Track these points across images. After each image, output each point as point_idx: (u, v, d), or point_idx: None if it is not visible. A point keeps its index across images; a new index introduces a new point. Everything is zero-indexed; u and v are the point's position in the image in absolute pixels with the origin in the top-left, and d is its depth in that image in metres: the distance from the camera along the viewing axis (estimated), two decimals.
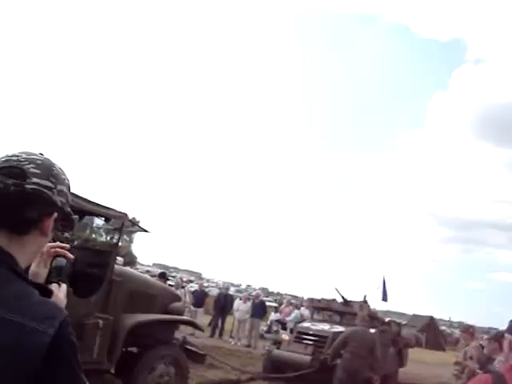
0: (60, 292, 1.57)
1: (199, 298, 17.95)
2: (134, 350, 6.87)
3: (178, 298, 7.96)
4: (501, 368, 3.07)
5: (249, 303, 17.95)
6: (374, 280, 14.19)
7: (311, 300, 14.96)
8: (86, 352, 5.77)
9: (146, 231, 8.26)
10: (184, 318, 8.00)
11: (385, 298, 14.64)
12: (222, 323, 18.23)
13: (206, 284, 25.31)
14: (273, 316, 21.53)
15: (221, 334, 17.96)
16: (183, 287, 18.04)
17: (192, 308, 17.10)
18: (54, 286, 1.57)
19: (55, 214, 1.44)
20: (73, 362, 1.29)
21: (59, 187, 1.44)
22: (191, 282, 34.98)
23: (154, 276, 14.85)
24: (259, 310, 17.80)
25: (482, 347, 8.96)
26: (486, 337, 16.06)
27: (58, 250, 1.60)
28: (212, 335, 17.57)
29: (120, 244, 7.90)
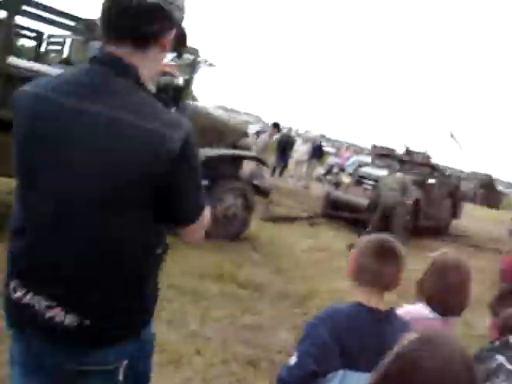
0: None
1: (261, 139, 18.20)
2: (206, 182, 7.27)
3: (246, 135, 8.18)
4: None
5: (308, 144, 18.20)
6: (439, 135, 14.01)
7: (374, 146, 15.03)
8: None
9: (212, 65, 8.25)
10: (251, 153, 8.22)
11: (461, 148, 14.69)
12: (284, 164, 18.71)
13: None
14: (332, 160, 21.82)
15: (281, 174, 18.54)
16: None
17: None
18: None
19: (174, 30, 1.48)
20: (195, 166, 1.46)
21: (179, 1, 1.45)
22: (250, 123, 35.28)
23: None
24: (317, 152, 18.21)
25: None
26: None
27: (165, 67, 1.66)
28: (272, 175, 18.17)
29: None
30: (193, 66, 6.88)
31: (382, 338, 1.79)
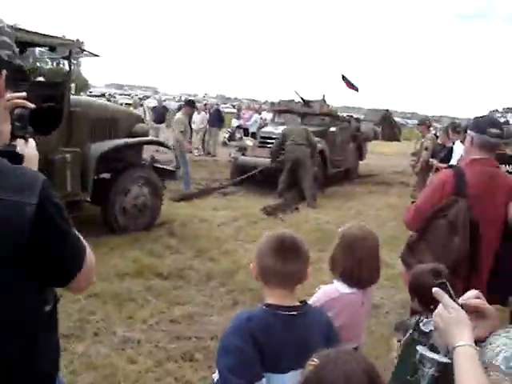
0: (28, 148, 1.54)
1: (159, 113, 17.75)
2: (107, 176, 7.01)
3: (140, 120, 7.92)
4: (461, 163, 3.28)
5: (202, 113, 17.95)
6: (332, 78, 14.20)
7: (271, 104, 15.09)
8: (60, 187, 5.85)
9: (95, 55, 7.83)
10: (150, 138, 8.02)
11: (356, 89, 14.88)
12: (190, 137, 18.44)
13: (163, 98, 24.81)
14: (234, 122, 21.78)
15: (211, 147, 18.29)
16: (141, 105, 17.82)
17: (154, 125, 17.08)
18: (20, 143, 1.53)
19: (4, 71, 1.35)
20: (60, 223, 1.33)
21: (2, 40, 1.33)
22: (148, 97, 34.47)
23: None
24: (216, 118, 17.98)
25: (437, 137, 9.47)
26: (438, 125, 16.72)
27: (15, 101, 1.52)
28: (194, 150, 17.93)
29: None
30: (68, 59, 6.49)
31: (300, 334, 1.80)
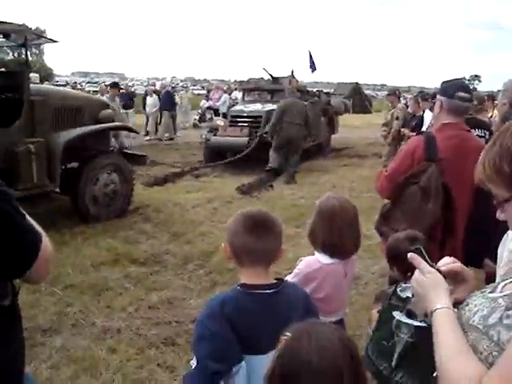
0: None
1: (127, 99, 17.45)
2: (75, 165, 6.86)
3: (105, 106, 7.68)
4: (431, 129, 3.27)
5: (154, 96, 17.61)
6: (300, 54, 14.06)
7: (240, 82, 14.97)
8: (26, 179, 5.73)
9: (53, 41, 7.60)
10: (116, 123, 7.81)
11: (313, 68, 14.73)
12: (155, 120, 18.20)
13: (130, 83, 24.49)
14: (203, 104, 21.62)
15: (156, 131, 18.09)
16: (108, 92, 17.50)
17: (122, 111, 16.84)
18: None
19: None
20: (10, 212, 1.28)
21: None
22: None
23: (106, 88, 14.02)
24: (167, 101, 17.43)
25: (407, 107, 9.50)
26: (408, 96, 16.80)
27: None
28: (147, 134, 17.71)
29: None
30: (24, 46, 6.26)
31: (278, 312, 1.75)
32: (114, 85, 13.80)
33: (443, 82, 3.10)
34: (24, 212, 1.34)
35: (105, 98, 15.71)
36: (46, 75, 34.21)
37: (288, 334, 1.16)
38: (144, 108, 18.20)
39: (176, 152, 13.78)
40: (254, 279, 1.78)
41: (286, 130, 10.07)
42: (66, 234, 6.11)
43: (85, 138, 6.72)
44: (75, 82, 39.07)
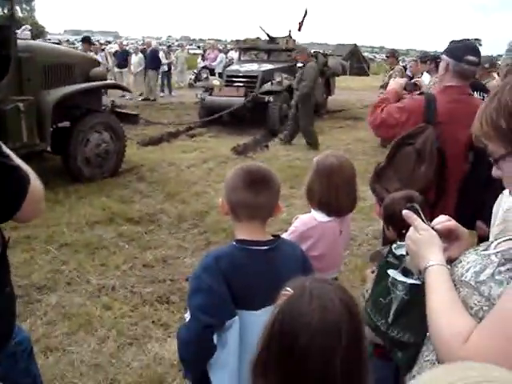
0: None
1: (121, 58, 17.03)
2: (67, 124, 6.74)
3: (97, 63, 7.52)
4: (434, 90, 3.18)
5: (140, 55, 17.14)
6: (299, 15, 13.64)
7: (236, 41, 14.64)
8: (15, 138, 5.62)
9: None
10: (108, 82, 7.69)
11: (299, 29, 14.27)
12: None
13: (125, 42, 24.03)
14: (199, 63, 21.30)
15: (150, 91, 17.85)
16: (103, 50, 17.20)
17: (116, 70, 16.59)
18: None
19: None
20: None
21: None
22: (109, 43, 33.28)
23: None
24: (153, 61, 16.71)
25: (405, 69, 9.38)
26: (407, 58, 16.58)
27: None
28: (141, 93, 17.50)
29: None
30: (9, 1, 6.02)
31: (273, 269, 1.75)
32: (85, 39, 13.28)
33: (451, 42, 2.94)
34: (9, 152, 1.32)
35: (99, 57, 15.53)
36: (38, 33, 33.56)
37: (289, 289, 1.14)
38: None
39: (171, 112, 13.65)
40: (251, 235, 1.77)
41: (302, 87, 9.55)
42: (60, 193, 6.09)
43: (76, 97, 6.57)
44: (68, 41, 38.46)
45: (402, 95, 3.28)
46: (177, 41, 63.00)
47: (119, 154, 7.12)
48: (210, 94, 11.76)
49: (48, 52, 6.63)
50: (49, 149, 6.52)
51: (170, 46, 21.15)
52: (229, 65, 14.82)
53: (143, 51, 17.80)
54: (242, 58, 13.55)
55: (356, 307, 1.12)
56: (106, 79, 7.43)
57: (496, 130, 1.10)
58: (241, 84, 11.68)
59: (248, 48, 13.44)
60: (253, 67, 12.18)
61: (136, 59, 16.93)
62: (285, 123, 11.13)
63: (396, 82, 3.29)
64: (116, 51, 18.27)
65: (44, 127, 6.10)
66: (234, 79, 11.88)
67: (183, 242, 5.00)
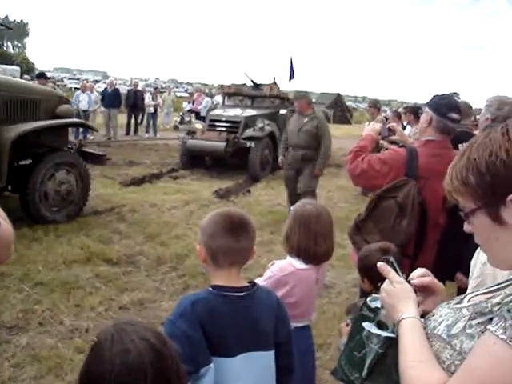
0: None
1: (112, 97, 16.49)
2: (27, 162, 6.47)
3: (64, 100, 7.23)
4: (415, 143, 3.22)
5: (96, 93, 17.02)
6: (283, 62, 13.81)
7: (221, 86, 14.80)
8: None
9: (8, 28, 7.49)
10: (73, 120, 7.29)
11: (292, 77, 14.63)
12: (136, 120, 18.07)
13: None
14: (185, 106, 21.58)
15: (136, 131, 17.96)
16: (91, 89, 17.25)
17: (103, 109, 16.52)
18: None
19: None
20: None
21: None
22: (97, 82, 33.64)
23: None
24: (112, 99, 16.41)
25: (386, 119, 9.58)
26: (388, 110, 16.93)
27: None
28: (127, 133, 17.57)
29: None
30: None
31: (249, 315, 1.75)
32: (40, 75, 12.93)
33: (435, 97, 2.97)
34: None
35: (85, 95, 15.55)
36: (28, 69, 33.81)
37: (94, 338, 1.17)
38: (126, 106, 17.87)
39: (155, 153, 13.70)
40: (227, 281, 1.77)
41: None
42: (39, 230, 6.02)
43: (39, 134, 6.34)
44: (52, 77, 38.69)
45: (378, 140, 3.33)
46: (164, 83, 63.76)
47: (82, 196, 6.83)
48: (192, 138, 11.75)
49: (11, 87, 6.40)
50: (4, 186, 6.20)
51: (156, 88, 21.39)
52: (212, 108, 14.84)
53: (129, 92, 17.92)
54: (226, 103, 13.64)
55: (163, 344, 1.16)
56: (72, 117, 7.16)
57: (465, 185, 1.14)
58: (223, 128, 11.68)
59: (232, 93, 13.52)
60: (236, 112, 12.24)
61: (93, 97, 16.50)
62: (266, 169, 11.24)
63: (372, 128, 3.33)
64: (104, 90, 17.78)
65: (1, 164, 5.82)
66: (217, 123, 11.89)
67: (161, 284, 4.94)
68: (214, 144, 11.09)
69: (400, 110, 9.63)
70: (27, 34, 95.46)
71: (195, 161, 11.69)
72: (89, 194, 6.97)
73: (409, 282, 1.34)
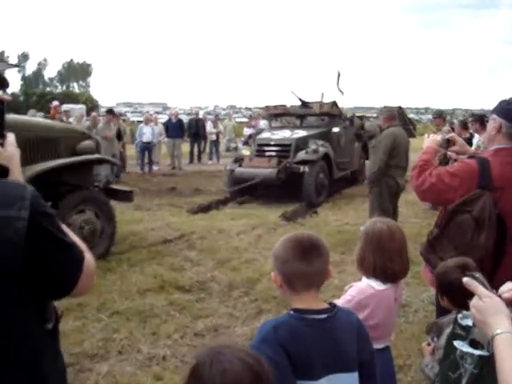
0: (8, 146, 1.48)
1: (176, 127, 16.65)
2: (48, 204, 6.50)
3: (86, 136, 6.96)
4: (484, 153, 3.05)
5: (160, 125, 16.94)
6: (333, 77, 13.00)
7: (266, 107, 13.21)
8: None
9: (16, 66, 7.82)
10: (92, 156, 6.71)
11: (340, 92, 13.94)
12: (199, 148, 18.48)
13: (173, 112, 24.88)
14: (246, 131, 21.77)
15: (199, 159, 18.35)
16: (155, 121, 17.63)
17: (167, 140, 16.80)
18: None
19: None
20: (54, 232, 1.30)
21: None
22: (158, 113, 34.68)
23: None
24: (175, 129, 16.64)
25: (453, 129, 9.33)
26: (455, 120, 16.44)
27: None
28: (191, 161, 17.97)
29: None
30: None
31: (331, 337, 1.72)
32: (109, 112, 13.47)
33: (502, 102, 2.80)
34: (66, 229, 1.36)
35: (149, 127, 15.96)
36: (93, 106, 35.37)
37: (192, 359, 1.21)
38: (189, 136, 18.29)
39: (219, 180, 13.90)
40: (307, 304, 1.75)
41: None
42: (112, 261, 6.21)
43: (61, 173, 6.14)
44: (113, 112, 40.20)
45: (445, 152, 3.21)
46: (223, 110, 64.96)
47: (110, 235, 6.54)
48: (240, 165, 10.98)
49: (32, 126, 6.31)
50: None
51: (217, 116, 21.81)
52: (259, 132, 13.26)
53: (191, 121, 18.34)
54: (272, 125, 12.91)
55: (260, 365, 1.18)
56: (94, 153, 6.77)
57: None
58: (273, 153, 10.92)
59: (278, 114, 12.69)
60: (285, 134, 11.46)
61: (157, 129, 16.46)
62: (322, 194, 10.54)
63: (432, 140, 3.21)
64: (168, 120, 17.69)
65: None
66: (265, 148, 11.13)
67: (234, 310, 4.96)
68: (265, 171, 10.29)
69: (469, 119, 9.31)
70: (90, 74, 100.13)
71: (243, 190, 10.80)
72: (116, 231, 6.68)
73: (499, 296, 1.27)
